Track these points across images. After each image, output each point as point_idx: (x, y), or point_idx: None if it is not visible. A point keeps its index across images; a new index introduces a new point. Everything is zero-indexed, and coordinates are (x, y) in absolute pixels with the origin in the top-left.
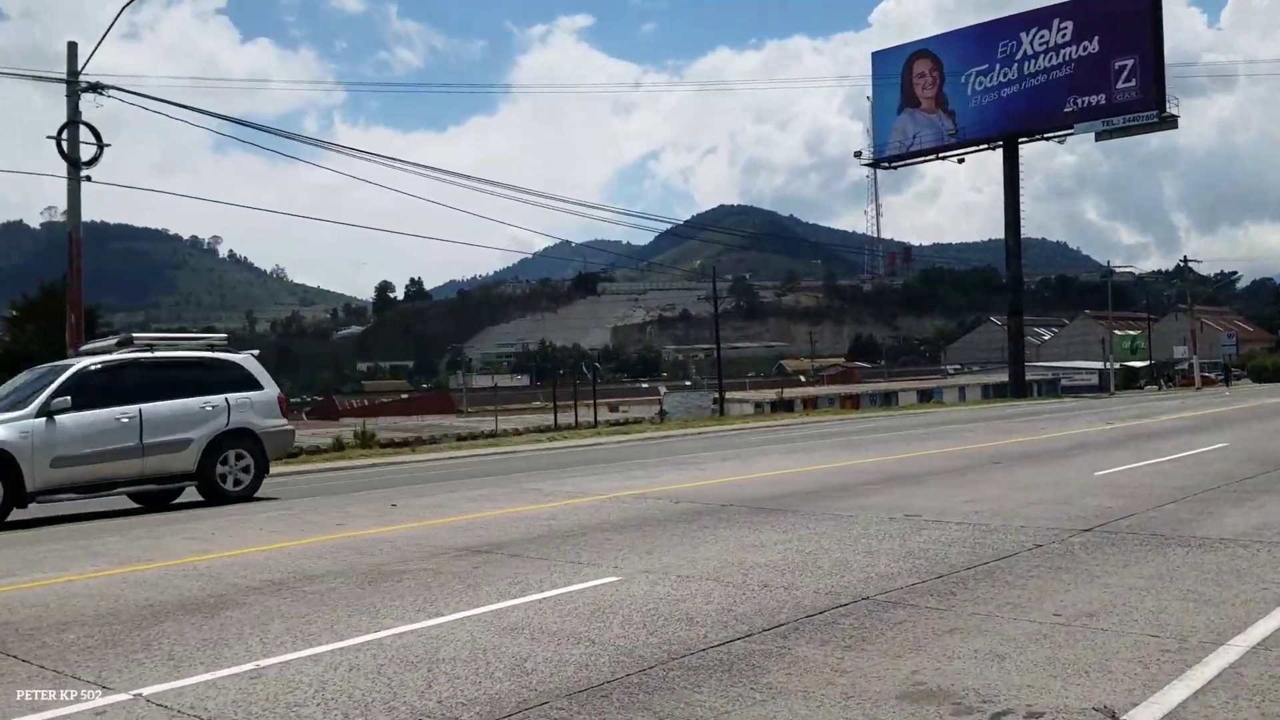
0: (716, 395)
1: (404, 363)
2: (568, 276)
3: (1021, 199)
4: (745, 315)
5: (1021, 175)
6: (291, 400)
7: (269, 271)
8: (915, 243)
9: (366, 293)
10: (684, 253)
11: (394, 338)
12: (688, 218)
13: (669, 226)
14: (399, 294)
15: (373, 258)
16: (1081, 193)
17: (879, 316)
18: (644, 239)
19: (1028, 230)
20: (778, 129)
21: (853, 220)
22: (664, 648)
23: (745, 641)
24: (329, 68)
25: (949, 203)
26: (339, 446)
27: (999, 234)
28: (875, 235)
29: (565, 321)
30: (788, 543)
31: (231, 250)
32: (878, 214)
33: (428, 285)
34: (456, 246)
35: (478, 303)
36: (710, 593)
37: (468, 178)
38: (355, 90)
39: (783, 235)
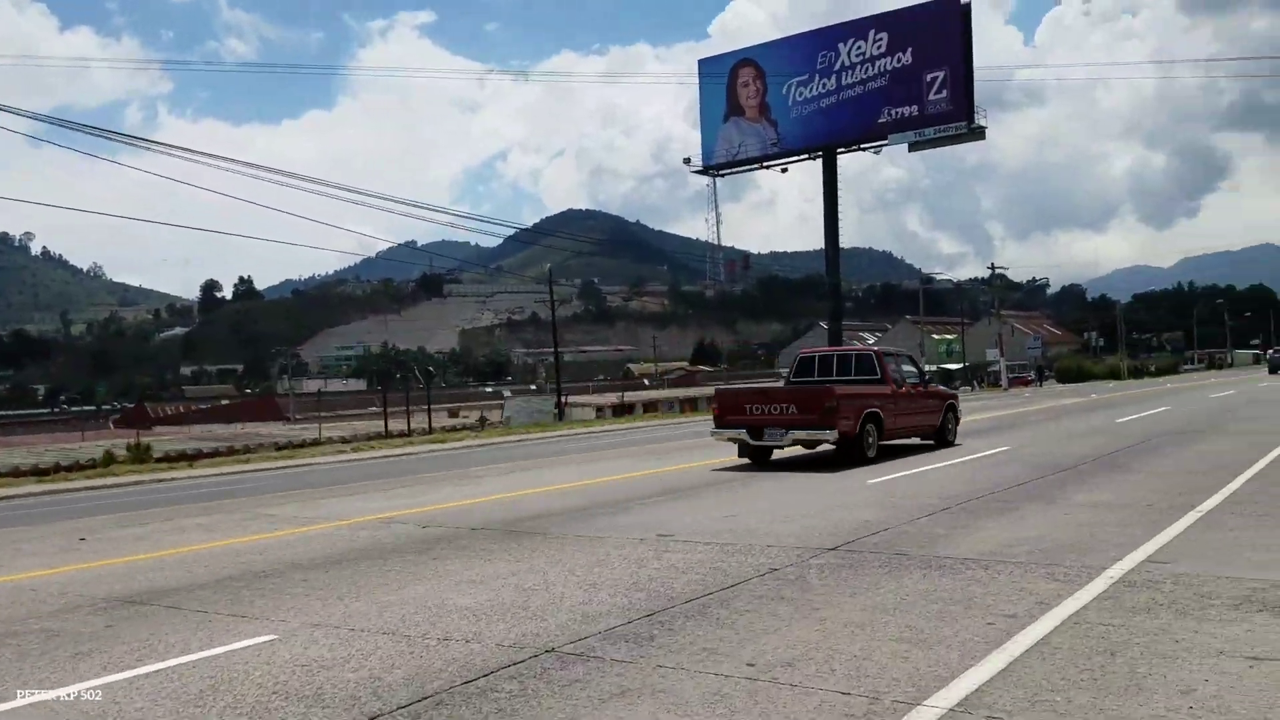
0: (559, 400)
1: (233, 366)
2: (413, 278)
3: (851, 210)
4: (594, 319)
5: (851, 187)
6: (102, 407)
7: (86, 270)
8: (754, 250)
9: (193, 292)
10: (533, 256)
11: (222, 339)
12: (536, 220)
13: (514, 231)
14: (227, 293)
15: (203, 256)
16: (906, 204)
17: (721, 321)
18: (492, 241)
19: (857, 240)
20: (624, 135)
21: (696, 227)
22: None
23: None
24: (155, 57)
25: (785, 212)
26: (108, 461)
27: None
28: (716, 243)
29: (410, 324)
30: (512, 575)
31: (45, 247)
32: (718, 222)
33: (263, 284)
34: (295, 245)
35: (314, 303)
36: (371, 654)
37: (299, 177)
38: (184, 73)
39: (630, 241)
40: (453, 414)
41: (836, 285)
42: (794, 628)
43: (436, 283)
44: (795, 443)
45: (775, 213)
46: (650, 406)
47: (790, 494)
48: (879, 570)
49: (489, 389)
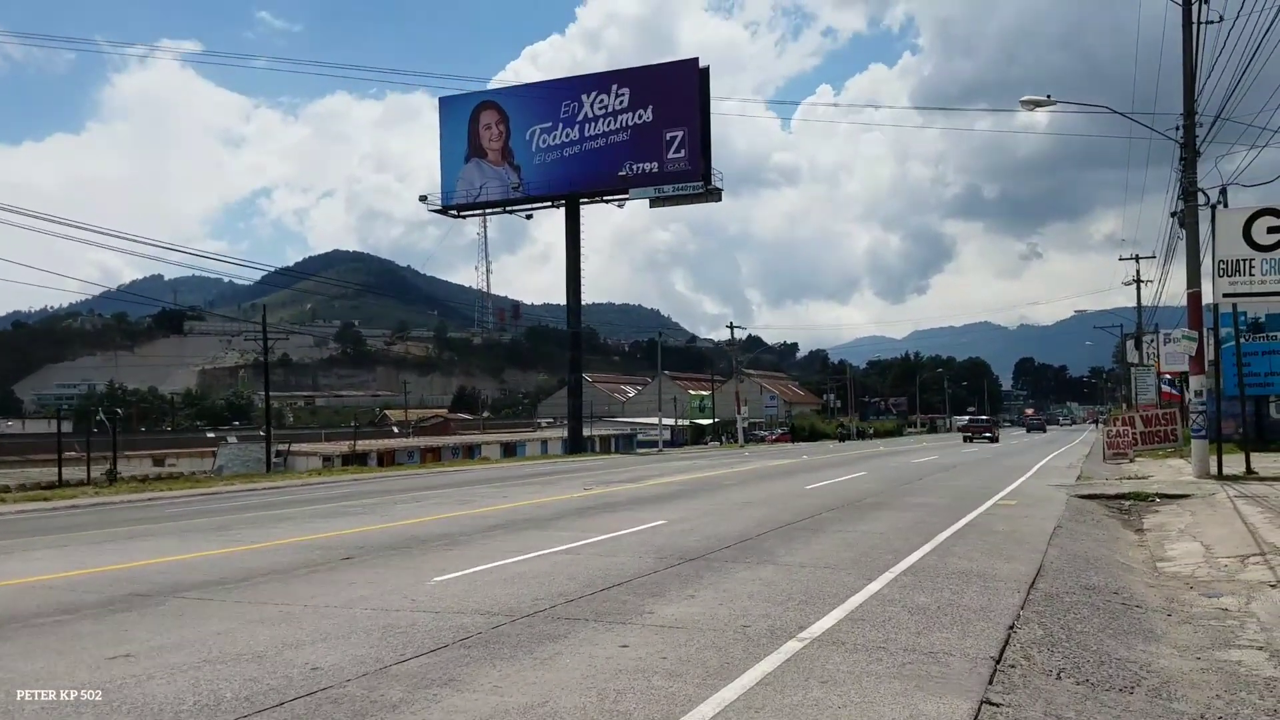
0: (279, 448)
1: None
2: (155, 314)
3: (623, 268)
4: (353, 363)
5: (624, 246)
6: None
7: None
8: (528, 301)
9: None
10: (294, 296)
11: None
12: (299, 260)
13: (271, 270)
14: None
15: None
16: (674, 266)
17: (487, 369)
18: (248, 279)
19: (628, 297)
20: (397, 180)
21: (469, 275)
22: None
23: None
24: None
25: (560, 264)
26: None
27: (602, 298)
28: (485, 291)
29: (144, 362)
30: None
31: None
32: (488, 270)
33: None
34: (24, 273)
35: (37, 337)
36: None
37: (19, 211)
38: None
39: (399, 286)
40: (158, 461)
41: (577, 335)
42: None
43: (177, 319)
44: (987, 440)
45: (550, 265)
46: (387, 456)
47: (307, 602)
48: None
49: (210, 434)
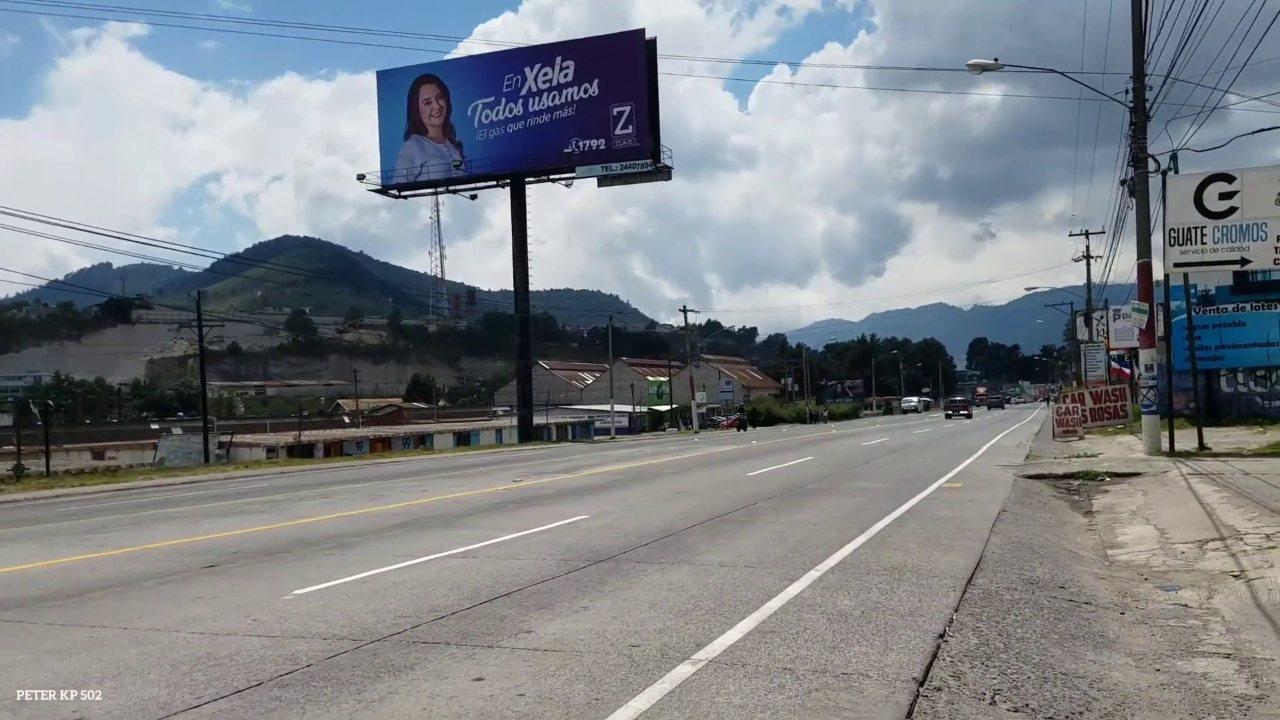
0: (221, 440)
1: None
2: (102, 303)
3: (579, 253)
4: (304, 351)
5: (581, 230)
6: None
7: None
8: (484, 287)
9: None
10: (245, 283)
11: None
12: (250, 245)
13: (221, 257)
14: None
15: None
16: (632, 251)
17: (443, 357)
18: (197, 266)
19: (586, 283)
20: (348, 163)
21: (423, 261)
22: None
23: None
24: None
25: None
26: None
27: (560, 284)
28: (439, 276)
29: (92, 352)
30: None
31: None
32: (441, 256)
33: None
34: None
35: None
36: None
37: None
38: None
39: (351, 272)
40: (97, 455)
41: (525, 319)
42: None
43: (124, 307)
44: (964, 416)
45: (506, 250)
46: (335, 447)
47: (130, 624)
48: None
49: (154, 426)
